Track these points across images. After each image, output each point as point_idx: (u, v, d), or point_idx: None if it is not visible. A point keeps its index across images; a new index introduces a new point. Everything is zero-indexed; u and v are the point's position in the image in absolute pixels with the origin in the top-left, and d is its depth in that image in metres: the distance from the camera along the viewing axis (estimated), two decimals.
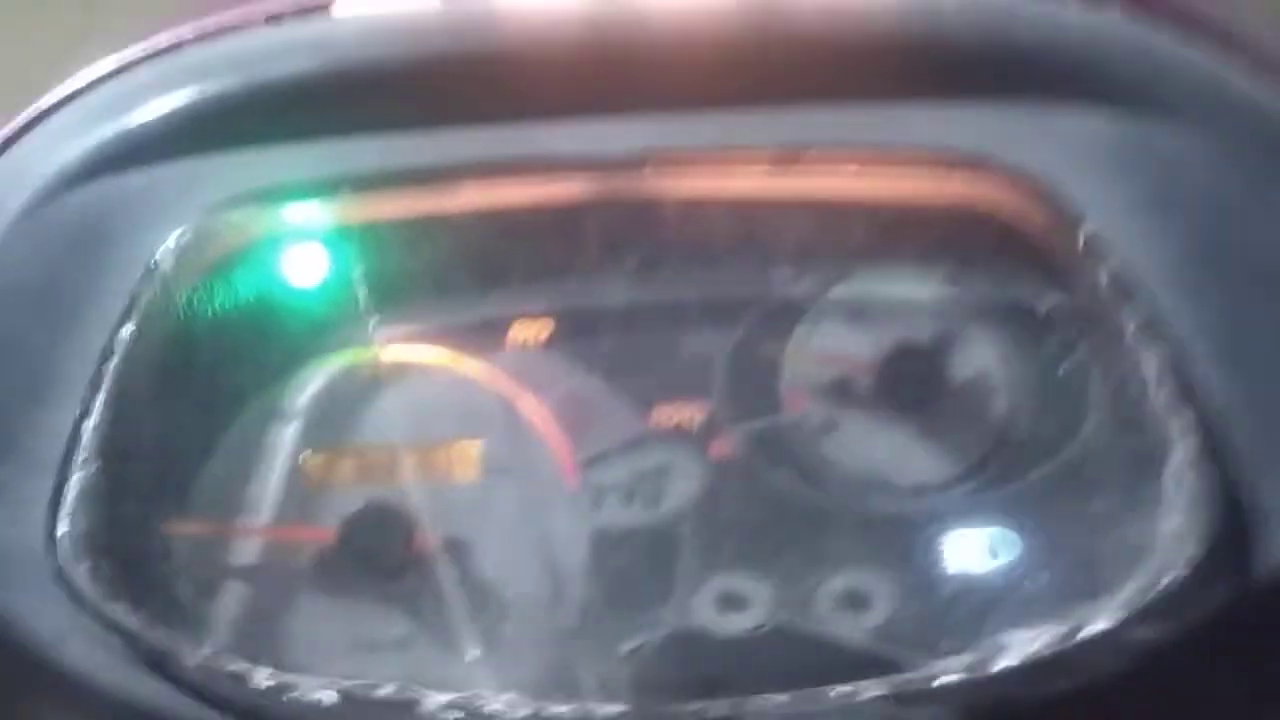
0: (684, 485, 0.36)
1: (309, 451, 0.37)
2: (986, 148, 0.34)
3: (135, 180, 0.35)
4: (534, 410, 0.37)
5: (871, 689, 0.31)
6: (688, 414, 0.37)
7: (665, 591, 0.35)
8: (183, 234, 0.34)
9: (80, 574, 0.33)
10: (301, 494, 0.37)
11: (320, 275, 0.37)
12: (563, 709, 0.32)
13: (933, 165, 0.35)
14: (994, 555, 0.35)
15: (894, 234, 0.37)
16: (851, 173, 0.36)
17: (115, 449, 0.34)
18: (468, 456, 0.37)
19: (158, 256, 0.34)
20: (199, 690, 0.33)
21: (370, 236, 0.37)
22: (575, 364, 0.37)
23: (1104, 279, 0.32)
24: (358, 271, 0.37)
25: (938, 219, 0.36)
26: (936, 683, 0.31)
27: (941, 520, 0.35)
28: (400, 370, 0.38)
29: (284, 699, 0.32)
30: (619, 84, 0.36)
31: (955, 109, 0.35)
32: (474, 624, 0.35)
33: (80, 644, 0.33)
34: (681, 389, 0.37)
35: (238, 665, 0.33)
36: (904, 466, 0.36)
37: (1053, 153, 0.34)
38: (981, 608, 0.34)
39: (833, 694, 0.31)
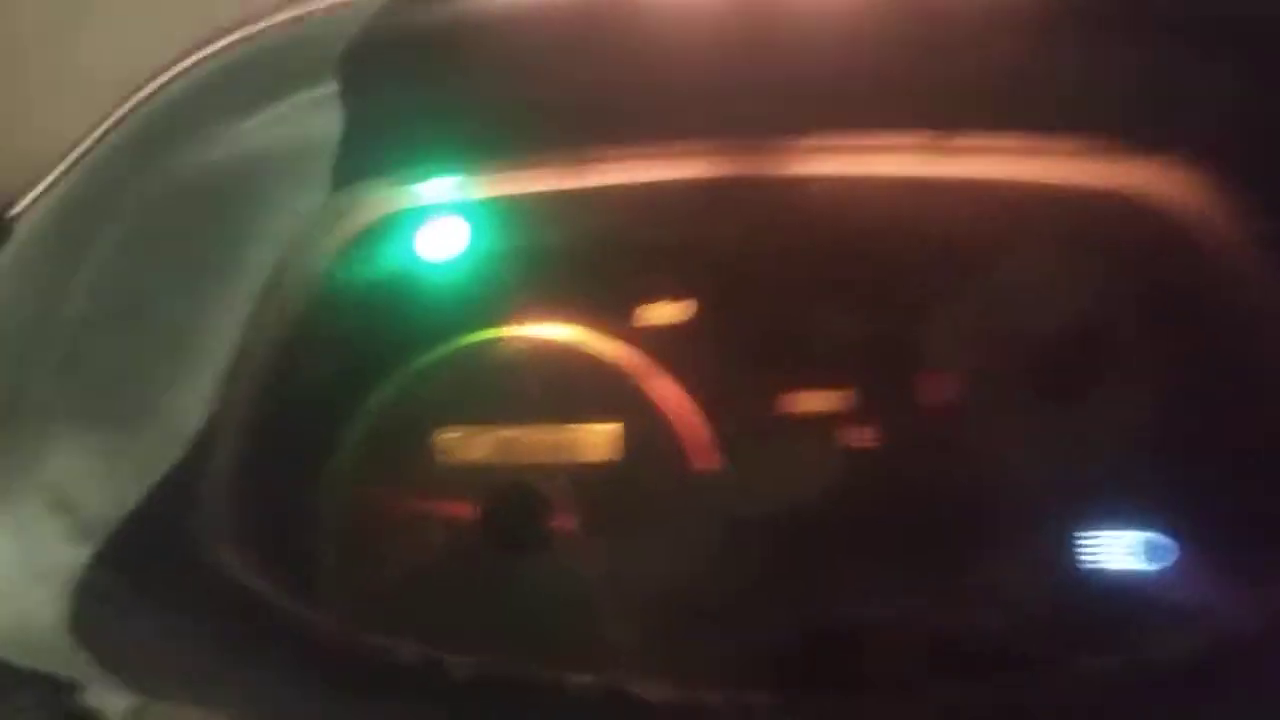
0: (824, 473, 0.36)
1: (445, 427, 0.38)
2: (1147, 131, 0.34)
3: (279, 148, 0.36)
4: (671, 392, 0.38)
5: (1025, 685, 0.31)
6: (829, 400, 0.37)
7: (807, 581, 0.35)
8: (328, 204, 0.35)
9: (221, 546, 0.34)
10: (438, 469, 0.37)
11: (460, 249, 0.38)
12: (711, 696, 0.33)
13: (1092, 150, 0.35)
14: (1146, 555, 0.35)
15: (1049, 218, 0.36)
16: (1006, 156, 0.36)
17: (257, 421, 0.35)
18: (604, 437, 0.38)
19: (303, 226, 0.35)
20: (343, 664, 0.33)
21: (511, 211, 0.37)
22: (716, 346, 0.38)
23: (1270, 268, 0.32)
24: (497, 247, 0.37)
25: (1097, 204, 0.36)
26: (1086, 682, 0.31)
27: (1091, 516, 0.35)
28: (537, 348, 0.38)
29: (429, 674, 0.33)
30: (768, 59, 0.36)
31: (1115, 87, 0.34)
32: (613, 607, 0.36)
33: (222, 619, 0.34)
34: (823, 374, 0.37)
35: (382, 639, 0.34)
36: (1053, 459, 0.36)
37: (1219, 138, 0.33)
38: (1131, 608, 0.34)
39: (986, 687, 0.31)
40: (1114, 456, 0.35)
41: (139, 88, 0.38)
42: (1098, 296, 0.36)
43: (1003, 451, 0.36)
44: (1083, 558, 0.35)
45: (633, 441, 0.37)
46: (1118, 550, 0.35)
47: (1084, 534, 0.35)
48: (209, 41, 0.38)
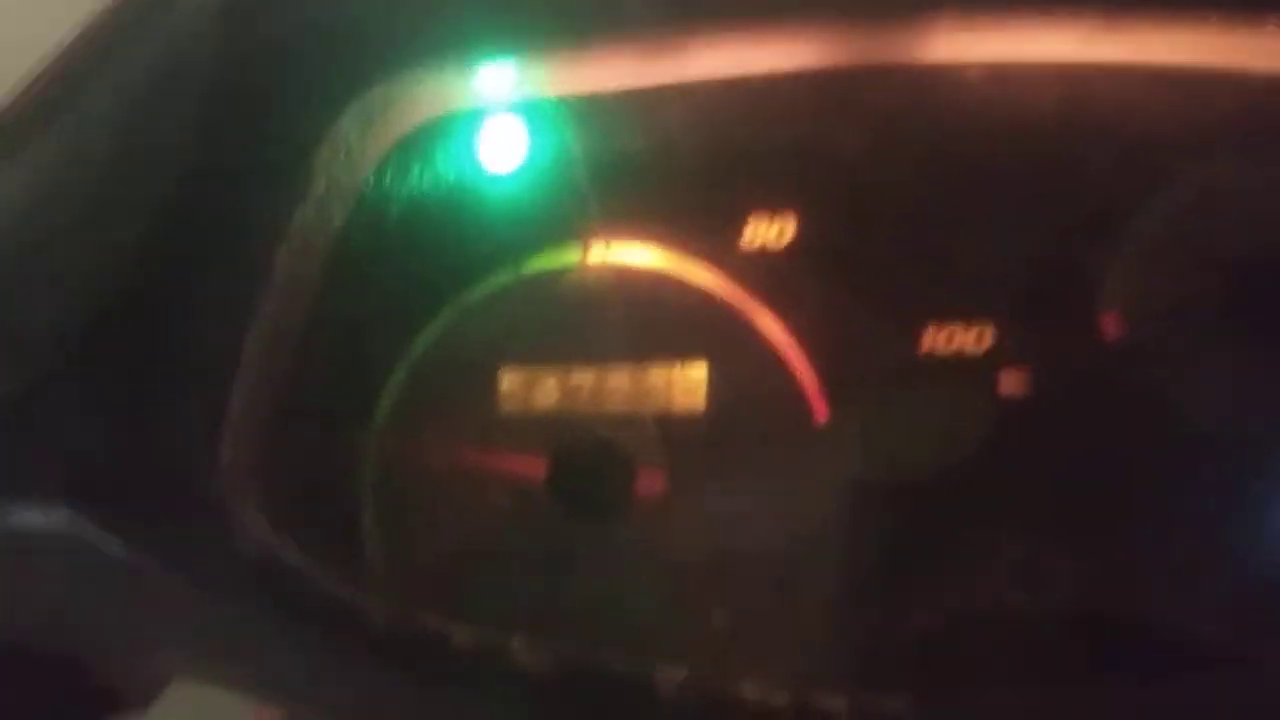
0: (965, 427, 0.30)
1: (508, 367, 0.32)
2: None
3: (311, 32, 0.30)
4: (774, 328, 0.32)
5: (1227, 684, 0.25)
6: (972, 338, 0.31)
7: (944, 558, 0.30)
8: (370, 99, 0.29)
9: (245, 506, 0.29)
10: (500, 417, 0.32)
11: (524, 156, 0.32)
12: (831, 700, 0.27)
13: None
14: None
15: (1254, 113, 0.30)
16: (1203, 35, 0.29)
17: (287, 357, 0.30)
18: (693, 381, 0.32)
19: (340, 125, 0.29)
20: (383, 646, 0.28)
21: (584, 111, 0.31)
22: (829, 272, 0.31)
23: None
24: (568, 152, 0.32)
25: None
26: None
27: None
28: (614, 274, 0.32)
29: (491, 664, 0.28)
30: None
31: None
32: (707, 587, 0.30)
33: (242, 586, 0.29)
34: (964, 306, 0.31)
35: (432, 620, 0.28)
36: (1252, 412, 0.29)
37: None
38: None
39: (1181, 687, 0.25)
40: None
41: None
42: None
43: (1185, 400, 0.30)
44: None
45: (732, 387, 0.31)
46: None
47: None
48: None
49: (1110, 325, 0.30)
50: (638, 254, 0.32)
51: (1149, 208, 0.30)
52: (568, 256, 0.32)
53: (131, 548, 0.29)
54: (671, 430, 0.32)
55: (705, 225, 0.32)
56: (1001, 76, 0.30)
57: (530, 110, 0.32)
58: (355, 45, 0.30)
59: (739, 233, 0.32)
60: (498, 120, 0.32)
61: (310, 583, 0.29)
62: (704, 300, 0.32)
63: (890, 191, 0.31)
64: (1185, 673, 0.28)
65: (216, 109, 0.30)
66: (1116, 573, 0.29)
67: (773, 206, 0.32)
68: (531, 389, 0.32)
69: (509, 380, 0.32)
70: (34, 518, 0.30)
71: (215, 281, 0.30)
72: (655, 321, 0.32)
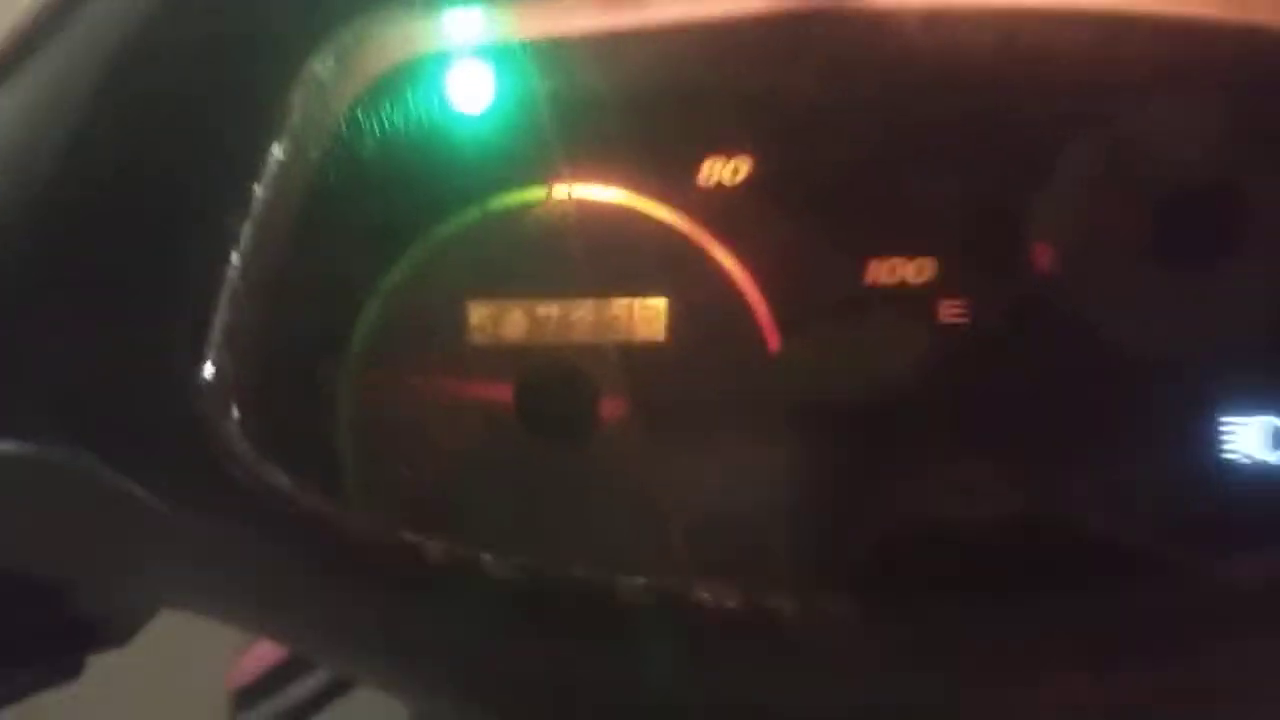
0: (908, 354, 0.32)
1: (476, 300, 0.34)
2: None
3: None
4: (729, 261, 0.33)
5: (1156, 590, 0.27)
6: (914, 270, 0.33)
7: (888, 475, 0.32)
8: (342, 40, 0.31)
9: (227, 425, 0.31)
10: (469, 347, 0.33)
11: (492, 97, 0.33)
12: (781, 603, 0.29)
13: None
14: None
15: (1178, 58, 0.31)
16: None
17: (266, 286, 0.31)
18: (653, 312, 0.34)
19: (315, 64, 0.31)
20: (361, 561, 0.30)
21: (549, 55, 0.33)
22: (780, 209, 0.33)
23: None
24: (534, 94, 0.33)
25: (1232, 42, 0.31)
26: (1227, 587, 0.27)
27: (1224, 402, 0.31)
28: (578, 210, 0.34)
29: (462, 576, 0.30)
30: None
31: None
32: (667, 503, 0.32)
33: (225, 506, 0.31)
34: (907, 241, 0.32)
35: (408, 536, 0.30)
36: (1179, 338, 0.31)
37: None
38: (1264, 510, 0.30)
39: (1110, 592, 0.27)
40: (1252, 333, 0.31)
41: None
42: (1226, 147, 0.32)
43: (1123, 330, 0.32)
44: (1213, 447, 0.30)
45: (690, 318, 0.33)
46: (1253, 439, 0.31)
47: (1213, 420, 0.31)
48: None
49: (1042, 257, 0.32)
50: (600, 192, 0.34)
51: (1078, 147, 0.32)
52: (534, 194, 0.34)
53: (116, 470, 0.31)
54: (633, 359, 0.33)
55: (664, 164, 0.33)
56: (940, 21, 0.31)
57: (498, 53, 0.33)
58: None
59: (696, 171, 0.33)
60: (467, 62, 0.33)
61: (291, 501, 0.31)
62: (663, 236, 0.34)
63: (837, 132, 0.33)
64: (1116, 581, 0.30)
65: (196, 46, 0.31)
66: (1051, 489, 0.31)
67: (728, 146, 0.33)
68: (500, 320, 0.34)
69: (478, 312, 0.34)
70: (15, 443, 0.32)
71: (195, 210, 0.31)
72: (617, 256, 0.34)
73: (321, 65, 0.31)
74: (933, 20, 0.32)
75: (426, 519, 0.31)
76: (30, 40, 0.34)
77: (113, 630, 0.42)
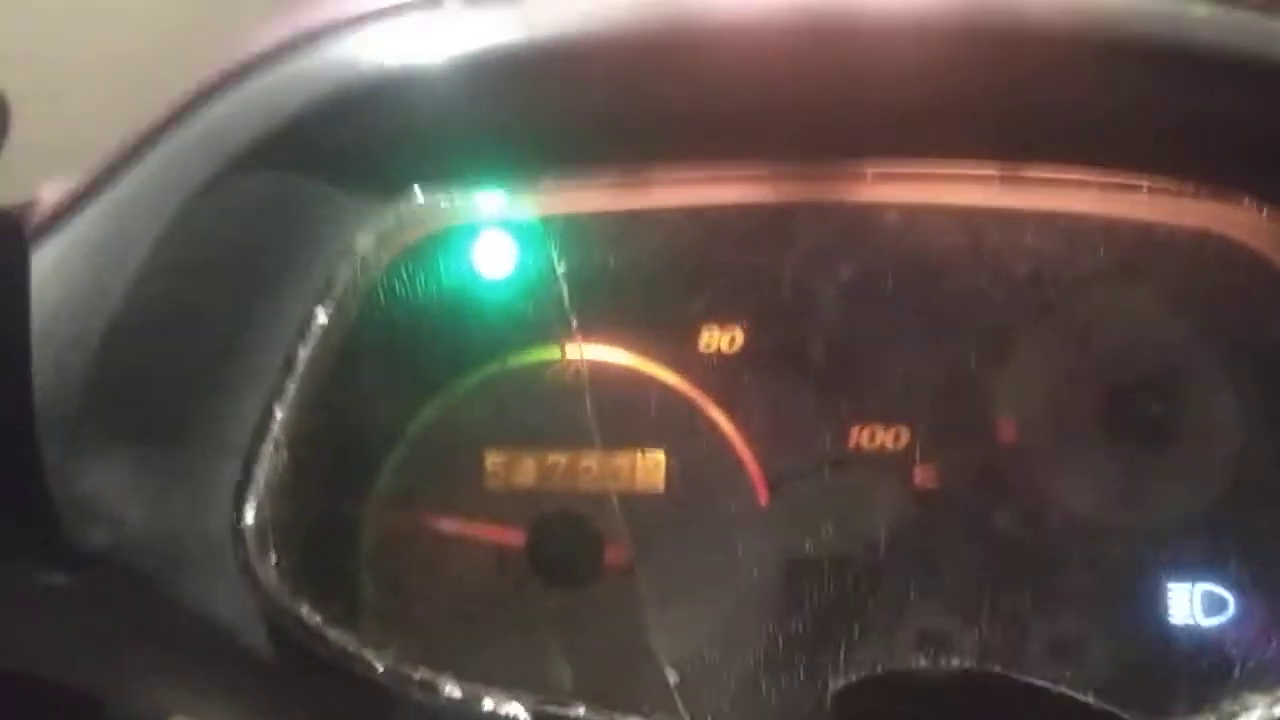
0: (884, 513, 0.36)
1: (492, 449, 0.37)
2: (1240, 174, 0.33)
3: (332, 157, 0.35)
4: (723, 421, 0.37)
5: None
6: (891, 437, 0.36)
7: (864, 628, 0.35)
8: (379, 216, 0.35)
9: (265, 567, 0.34)
10: (485, 492, 0.37)
11: (513, 267, 0.37)
12: None
13: (1177, 191, 0.34)
14: (1222, 612, 0.34)
15: (1130, 258, 0.36)
16: (1088, 191, 0.35)
17: (305, 436, 0.34)
18: (653, 465, 0.37)
19: (357, 237, 0.34)
20: (383, 695, 0.33)
21: (567, 230, 0.37)
22: (771, 376, 0.37)
23: None
24: (551, 266, 0.37)
25: (1179, 245, 0.35)
26: None
27: (1167, 569, 0.34)
28: (587, 370, 0.37)
29: (474, 711, 0.32)
30: (836, 81, 0.35)
31: (1204, 125, 0.34)
32: (664, 646, 0.35)
33: (261, 640, 0.34)
34: (886, 410, 0.36)
35: (425, 674, 0.33)
36: (1127, 508, 0.35)
37: None
38: (1211, 666, 0.33)
39: None
40: (1192, 506, 0.34)
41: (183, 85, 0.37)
42: (1172, 339, 0.36)
43: (1077, 498, 0.35)
44: (1158, 611, 0.34)
45: (687, 472, 0.37)
46: (1193, 604, 0.34)
47: (1154, 586, 0.34)
48: (253, 38, 0.38)
49: (1006, 430, 0.36)
50: (608, 354, 0.38)
51: (1039, 333, 0.36)
52: (548, 353, 0.38)
53: (164, 605, 0.34)
54: (634, 507, 0.37)
55: (667, 331, 0.37)
56: (916, 217, 0.35)
57: (520, 227, 0.37)
58: (374, 173, 0.35)
59: (696, 339, 0.37)
60: (491, 234, 0.37)
61: (314, 633, 0.33)
62: (664, 395, 0.37)
63: (822, 310, 0.37)
64: None
65: (254, 214, 0.35)
66: (1010, 643, 0.35)
67: (725, 318, 0.37)
68: (513, 468, 0.37)
69: (493, 460, 0.37)
70: (66, 576, 0.35)
71: (245, 366, 0.34)
72: (622, 413, 0.37)
73: (364, 240, 0.34)
74: (909, 216, 0.36)
75: (440, 655, 0.34)
76: (98, 186, 0.37)
77: None
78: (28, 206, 0.37)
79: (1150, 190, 0.35)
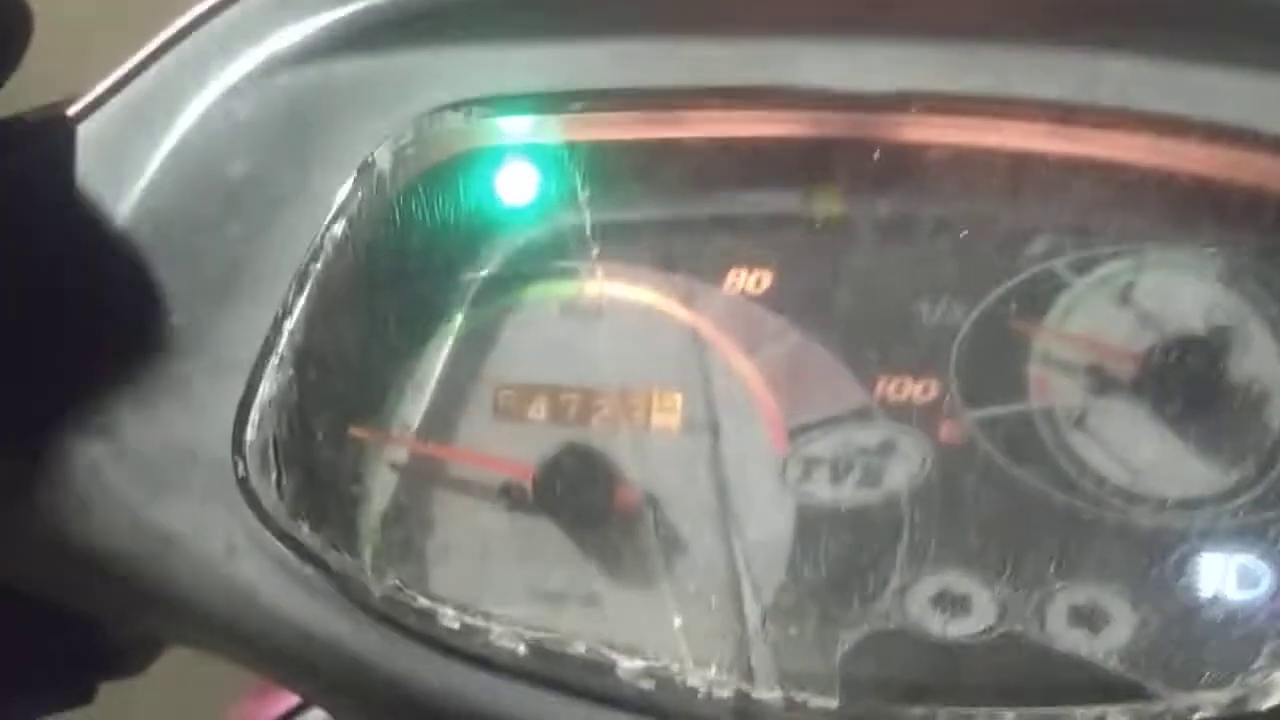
0: (907, 468, 0.35)
1: (504, 382, 0.36)
2: None
3: (351, 72, 0.34)
4: (745, 365, 0.36)
5: (1121, 715, 0.29)
6: (918, 389, 0.35)
7: (880, 582, 0.34)
8: (402, 134, 0.34)
9: (265, 486, 0.33)
10: (494, 425, 0.36)
11: (536, 194, 0.36)
12: (767, 695, 0.31)
13: (1237, 141, 0.33)
14: (1256, 585, 0.33)
15: (1181, 213, 0.34)
16: (1141, 139, 0.33)
17: (311, 355, 0.34)
18: (669, 406, 0.36)
19: (374, 155, 0.33)
20: (381, 620, 0.32)
21: (593, 157, 0.36)
22: (796, 320, 0.36)
23: None
24: (574, 195, 0.36)
25: (1236, 199, 0.33)
26: (1192, 717, 0.29)
27: (1201, 538, 0.33)
28: (605, 305, 0.36)
29: (472, 643, 0.32)
30: (885, 7, 0.34)
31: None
32: (670, 590, 0.34)
33: (259, 560, 0.33)
34: (914, 361, 0.35)
35: (425, 602, 0.32)
36: (1163, 473, 0.34)
37: None
38: (1239, 640, 0.32)
39: (1076, 715, 0.29)
40: (1231, 475, 0.33)
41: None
42: (1220, 300, 0.34)
43: (1111, 460, 0.34)
44: (1189, 582, 0.33)
45: (703, 415, 0.36)
46: (1226, 576, 0.33)
47: (1190, 556, 0.33)
48: None
49: (1040, 388, 0.35)
50: (629, 290, 0.36)
51: (1080, 288, 0.34)
52: (566, 287, 0.37)
53: (162, 517, 0.33)
54: (648, 449, 0.36)
55: (690, 269, 0.36)
56: (956, 157, 0.34)
57: (544, 153, 0.36)
58: (395, 89, 0.34)
59: (720, 278, 0.36)
60: (514, 159, 0.36)
61: (318, 559, 0.33)
62: (685, 336, 0.36)
63: (855, 253, 0.35)
64: (1083, 699, 0.32)
65: (266, 125, 0.34)
66: (1031, 607, 0.34)
67: (752, 258, 0.36)
68: (524, 402, 0.36)
69: (505, 393, 0.36)
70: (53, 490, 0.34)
71: (254, 286, 0.34)
72: (640, 351, 0.36)
73: (381, 156, 0.33)
74: (952, 156, 0.34)
75: (442, 586, 0.34)
76: (113, 90, 0.36)
77: (128, 661, 0.44)
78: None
79: (1204, 142, 0.33)
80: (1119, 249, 0.34)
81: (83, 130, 0.35)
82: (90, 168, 0.34)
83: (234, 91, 0.34)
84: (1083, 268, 0.34)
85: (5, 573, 0.37)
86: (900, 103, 0.33)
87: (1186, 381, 0.34)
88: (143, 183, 0.34)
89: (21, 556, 0.36)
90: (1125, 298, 0.34)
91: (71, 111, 0.35)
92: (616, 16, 0.34)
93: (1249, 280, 0.34)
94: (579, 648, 0.32)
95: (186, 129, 0.34)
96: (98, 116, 0.34)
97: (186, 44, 0.34)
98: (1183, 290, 0.34)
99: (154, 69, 0.35)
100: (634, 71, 0.34)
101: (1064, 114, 0.33)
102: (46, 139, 0.35)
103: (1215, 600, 0.33)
